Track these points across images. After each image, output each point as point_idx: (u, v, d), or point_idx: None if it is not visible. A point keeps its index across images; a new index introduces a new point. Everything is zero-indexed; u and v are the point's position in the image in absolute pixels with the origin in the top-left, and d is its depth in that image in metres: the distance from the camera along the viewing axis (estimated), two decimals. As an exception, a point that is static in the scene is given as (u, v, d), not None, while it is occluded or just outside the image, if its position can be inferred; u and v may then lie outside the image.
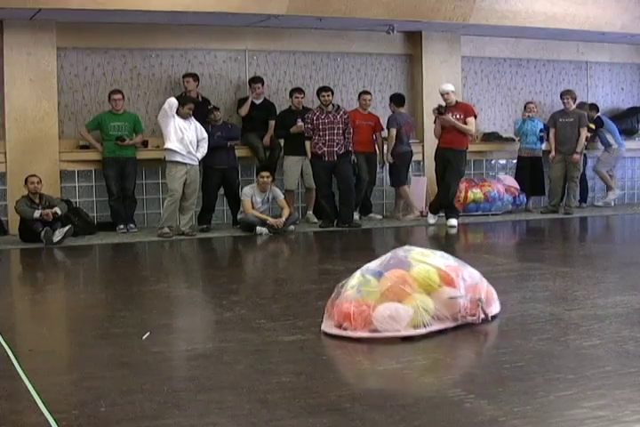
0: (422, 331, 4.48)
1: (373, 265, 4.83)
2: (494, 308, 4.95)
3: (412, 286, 4.59)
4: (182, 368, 4.05)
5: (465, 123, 10.18)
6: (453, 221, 10.32)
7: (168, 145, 9.51)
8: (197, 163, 9.73)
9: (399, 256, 4.82)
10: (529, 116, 11.86)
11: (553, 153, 11.61)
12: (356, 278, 4.73)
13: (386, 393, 3.64)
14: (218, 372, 3.96)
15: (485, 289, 4.90)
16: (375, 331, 4.47)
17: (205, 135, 9.78)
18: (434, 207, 10.64)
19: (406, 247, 4.95)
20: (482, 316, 4.69)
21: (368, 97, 11.08)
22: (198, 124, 9.75)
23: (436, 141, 10.46)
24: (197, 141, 9.68)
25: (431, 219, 10.59)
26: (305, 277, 7.23)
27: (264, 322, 5.00)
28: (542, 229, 10.90)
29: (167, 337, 4.78)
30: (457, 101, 10.37)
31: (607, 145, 12.51)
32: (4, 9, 9.18)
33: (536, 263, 7.30)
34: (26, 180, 9.33)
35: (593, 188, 12.98)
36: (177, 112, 9.53)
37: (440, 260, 4.86)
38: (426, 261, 4.78)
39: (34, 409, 3.34)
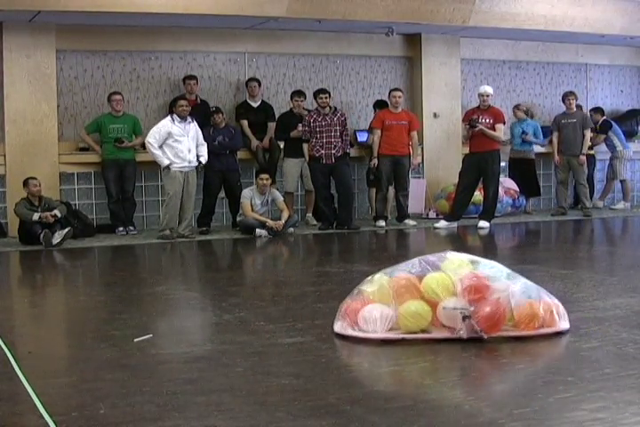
0: (420, 336, 4.48)
1: (402, 266, 4.71)
2: (561, 324, 4.55)
3: (413, 292, 4.53)
4: (182, 371, 4.04)
5: (493, 128, 10.20)
6: (484, 223, 10.31)
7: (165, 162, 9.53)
8: (195, 168, 9.72)
9: (429, 261, 4.64)
10: (518, 119, 11.90)
11: (556, 156, 11.61)
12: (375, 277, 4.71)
13: (385, 395, 3.64)
14: (217, 374, 3.96)
15: (540, 305, 4.47)
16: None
17: (204, 142, 9.74)
18: (456, 215, 10.46)
19: (447, 254, 4.73)
20: (468, 331, 4.36)
21: (397, 94, 10.58)
22: (199, 130, 9.71)
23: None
24: (197, 146, 9.65)
25: (442, 224, 10.38)
26: (304, 279, 7.22)
27: (263, 324, 5.01)
28: (550, 230, 10.88)
29: (166, 339, 4.78)
30: (489, 106, 10.39)
31: (613, 148, 12.49)
32: (3, 11, 9.17)
33: (535, 265, 7.29)
34: (25, 182, 9.32)
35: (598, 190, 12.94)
36: (172, 112, 9.54)
37: (465, 269, 4.56)
38: (448, 268, 4.55)
39: (33, 411, 3.34)
